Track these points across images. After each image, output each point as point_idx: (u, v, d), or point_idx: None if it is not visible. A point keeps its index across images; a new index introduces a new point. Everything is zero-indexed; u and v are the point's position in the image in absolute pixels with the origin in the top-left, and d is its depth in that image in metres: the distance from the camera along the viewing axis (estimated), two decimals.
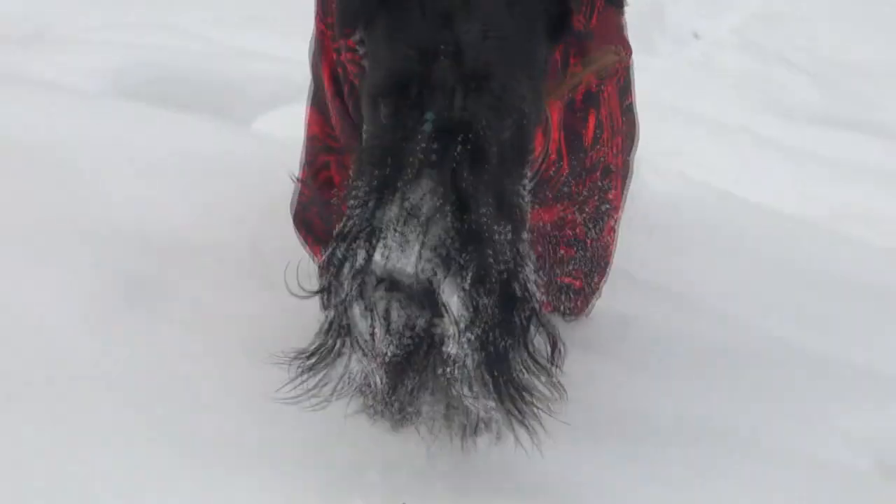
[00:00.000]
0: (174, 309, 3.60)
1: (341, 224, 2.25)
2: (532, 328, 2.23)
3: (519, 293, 2.18)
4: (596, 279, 3.25)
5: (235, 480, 2.88)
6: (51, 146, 4.40)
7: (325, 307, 2.29)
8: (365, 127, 2.36)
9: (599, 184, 2.96)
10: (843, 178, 6.04)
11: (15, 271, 3.63)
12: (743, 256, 4.64)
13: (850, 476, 3.35)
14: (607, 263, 3.26)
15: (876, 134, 6.75)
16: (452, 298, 2.10)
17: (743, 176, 5.92)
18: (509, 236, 2.17)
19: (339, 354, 2.25)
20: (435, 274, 2.07)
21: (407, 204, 2.05)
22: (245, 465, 2.94)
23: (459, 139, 2.09)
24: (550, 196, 2.83)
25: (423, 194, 2.06)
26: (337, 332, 2.25)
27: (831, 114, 7.08)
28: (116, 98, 5.53)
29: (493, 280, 2.13)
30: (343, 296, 2.18)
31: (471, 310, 2.11)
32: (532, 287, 2.22)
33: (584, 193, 2.92)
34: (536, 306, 2.23)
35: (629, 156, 3.09)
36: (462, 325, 2.11)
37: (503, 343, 2.18)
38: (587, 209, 2.97)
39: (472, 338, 2.12)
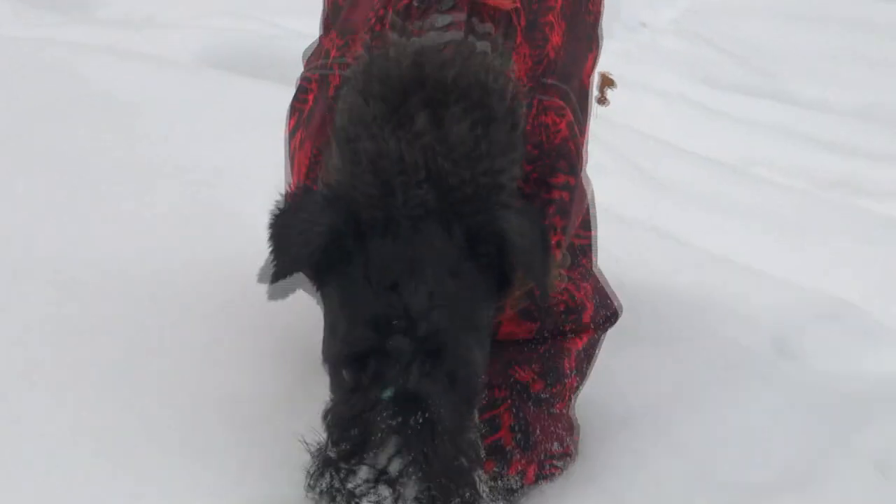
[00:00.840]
0: None
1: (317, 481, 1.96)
2: None
3: None
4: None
5: None
6: (146, 103, 4.46)
7: None
8: (330, 387, 2.07)
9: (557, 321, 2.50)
10: (752, 132, 6.17)
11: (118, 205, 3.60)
12: None
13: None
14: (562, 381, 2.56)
15: (778, 100, 6.86)
16: None
17: (679, 129, 6.14)
18: (471, 475, 1.92)
19: None
20: None
21: (376, 469, 1.84)
22: None
23: (417, 410, 1.85)
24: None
25: (390, 457, 1.84)
26: None
27: (745, 84, 7.18)
28: (206, 68, 5.54)
29: None
30: None
31: None
32: None
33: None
34: None
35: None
36: None
37: None
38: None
39: None
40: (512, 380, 2.44)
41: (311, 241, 1.92)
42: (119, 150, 3.98)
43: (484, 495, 1.96)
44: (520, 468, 2.37)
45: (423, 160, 1.92)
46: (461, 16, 2.14)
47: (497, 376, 2.42)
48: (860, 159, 5.94)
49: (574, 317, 2.48)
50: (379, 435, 1.84)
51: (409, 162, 1.92)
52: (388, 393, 1.86)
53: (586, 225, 2.53)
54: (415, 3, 2.18)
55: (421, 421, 1.84)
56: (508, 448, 2.37)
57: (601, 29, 2.63)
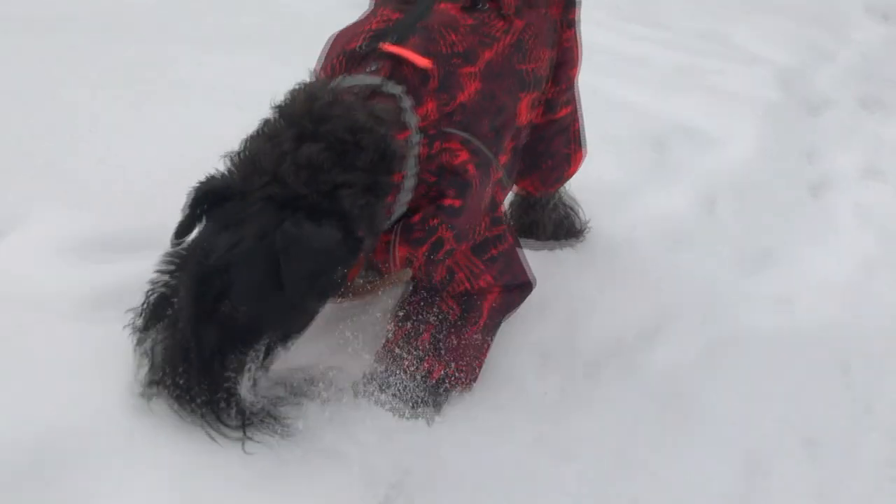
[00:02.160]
0: None
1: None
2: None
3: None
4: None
5: None
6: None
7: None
8: None
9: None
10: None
11: None
12: None
13: None
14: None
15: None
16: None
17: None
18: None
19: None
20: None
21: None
22: None
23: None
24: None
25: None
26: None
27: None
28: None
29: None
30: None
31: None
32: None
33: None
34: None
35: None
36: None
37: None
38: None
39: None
40: (438, 310, 2.81)
41: (188, 202, 2.35)
42: None
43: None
44: (427, 367, 2.75)
45: (273, 167, 2.31)
46: (388, 64, 2.54)
47: (428, 307, 2.82)
48: None
49: (474, 299, 2.86)
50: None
51: (264, 165, 2.32)
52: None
53: (496, 222, 2.85)
54: (358, 50, 2.60)
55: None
56: (423, 352, 2.76)
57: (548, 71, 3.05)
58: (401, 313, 2.87)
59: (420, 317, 2.81)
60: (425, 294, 2.85)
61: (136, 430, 2.31)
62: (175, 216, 2.35)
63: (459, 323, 2.82)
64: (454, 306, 2.83)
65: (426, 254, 2.62)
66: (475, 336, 2.83)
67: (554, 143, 3.30)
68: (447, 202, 2.55)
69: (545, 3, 3.00)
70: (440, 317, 2.82)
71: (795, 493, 2.75)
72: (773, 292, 3.55)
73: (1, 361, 2.42)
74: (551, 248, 3.42)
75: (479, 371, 2.83)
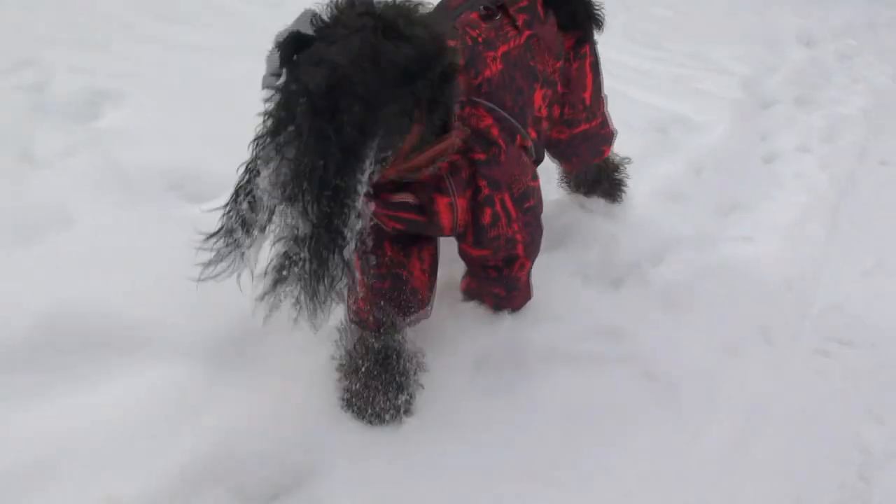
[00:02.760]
0: None
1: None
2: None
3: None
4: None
5: None
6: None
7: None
8: None
9: (500, 251, 2.32)
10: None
11: None
12: None
13: None
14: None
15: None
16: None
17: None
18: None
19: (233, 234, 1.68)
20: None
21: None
22: None
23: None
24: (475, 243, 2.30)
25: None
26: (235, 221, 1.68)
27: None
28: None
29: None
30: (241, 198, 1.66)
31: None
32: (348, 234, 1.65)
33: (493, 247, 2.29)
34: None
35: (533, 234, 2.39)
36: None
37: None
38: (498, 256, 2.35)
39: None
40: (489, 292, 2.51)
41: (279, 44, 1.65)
42: None
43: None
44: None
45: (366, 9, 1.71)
46: None
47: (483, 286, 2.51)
48: None
49: (513, 252, 2.35)
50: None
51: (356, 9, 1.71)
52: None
53: (534, 176, 2.37)
54: None
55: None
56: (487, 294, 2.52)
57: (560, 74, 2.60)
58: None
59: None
60: (478, 282, 2.49)
61: None
62: None
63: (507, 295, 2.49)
64: (501, 291, 2.47)
65: (470, 198, 2.18)
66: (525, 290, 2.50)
67: (581, 150, 2.88)
68: (475, 156, 2.11)
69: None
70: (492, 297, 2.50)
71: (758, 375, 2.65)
72: (739, 232, 3.48)
73: None
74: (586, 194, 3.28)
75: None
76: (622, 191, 3.29)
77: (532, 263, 2.45)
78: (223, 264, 1.71)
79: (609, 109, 2.91)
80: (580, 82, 2.72)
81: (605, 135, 2.93)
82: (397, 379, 2.16)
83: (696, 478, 2.18)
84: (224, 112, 3.54)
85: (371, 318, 2.20)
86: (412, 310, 2.28)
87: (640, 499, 2.09)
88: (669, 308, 2.80)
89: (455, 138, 2.01)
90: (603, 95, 2.85)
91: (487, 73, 2.15)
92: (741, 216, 3.64)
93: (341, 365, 2.20)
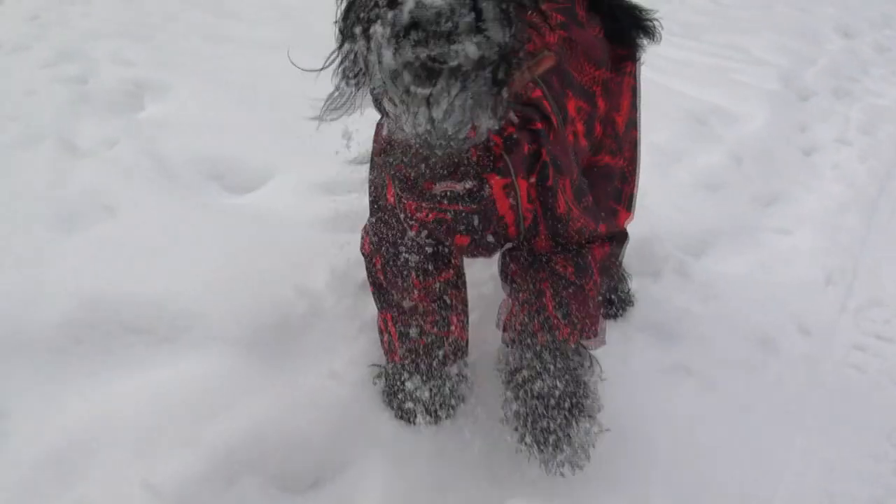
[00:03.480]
0: None
1: None
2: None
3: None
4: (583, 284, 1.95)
5: None
6: None
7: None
8: None
9: (576, 247, 1.93)
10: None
11: None
12: None
13: None
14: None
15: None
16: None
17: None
18: None
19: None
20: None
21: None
22: None
23: None
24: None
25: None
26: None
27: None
28: None
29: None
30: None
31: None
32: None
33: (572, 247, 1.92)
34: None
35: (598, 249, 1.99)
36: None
37: None
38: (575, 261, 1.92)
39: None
40: (550, 269, 1.91)
41: None
42: None
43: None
44: (566, 334, 1.89)
45: None
46: None
47: (539, 268, 1.94)
48: None
49: (584, 255, 1.95)
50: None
51: None
52: None
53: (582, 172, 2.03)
54: None
55: None
56: (551, 315, 1.89)
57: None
58: (513, 286, 1.98)
59: (534, 284, 1.93)
60: (531, 259, 1.94)
61: None
62: None
63: (578, 282, 1.93)
64: (567, 266, 1.92)
65: (538, 182, 1.78)
66: (595, 295, 1.97)
67: (598, 188, 2.12)
68: (535, 126, 1.74)
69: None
70: (555, 277, 1.92)
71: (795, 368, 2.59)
72: (778, 224, 3.43)
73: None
74: None
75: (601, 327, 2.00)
76: (623, 310, 2.66)
77: (604, 244, 2.03)
78: (341, 103, 1.57)
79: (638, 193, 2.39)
80: (616, 100, 2.24)
81: (625, 194, 2.34)
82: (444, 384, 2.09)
83: (734, 470, 2.14)
84: (265, 105, 3.56)
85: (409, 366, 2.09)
86: (452, 360, 2.11)
87: (678, 487, 2.05)
88: (708, 301, 2.75)
89: (554, 57, 1.63)
90: (636, 154, 2.34)
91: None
92: (780, 208, 3.58)
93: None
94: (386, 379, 2.12)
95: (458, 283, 2.09)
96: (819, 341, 2.70)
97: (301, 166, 2.96)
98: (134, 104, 3.55)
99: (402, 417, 2.08)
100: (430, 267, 1.98)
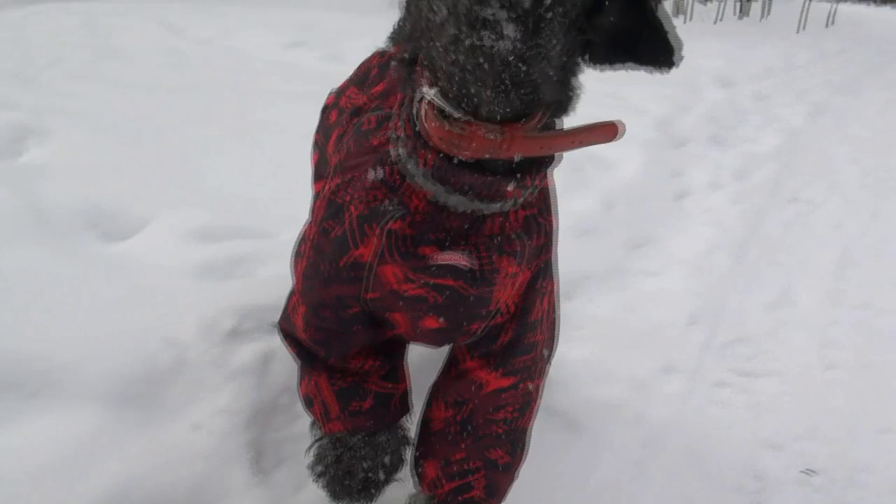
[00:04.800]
0: None
1: None
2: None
3: None
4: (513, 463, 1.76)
5: None
6: None
7: None
8: None
9: (531, 367, 1.70)
10: None
11: None
12: None
13: None
14: (524, 448, 1.78)
15: None
16: None
17: None
18: None
19: None
20: None
21: None
22: None
23: None
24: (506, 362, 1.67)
25: None
26: None
27: None
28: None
29: None
30: None
31: None
32: None
33: (522, 371, 1.69)
34: None
35: (549, 360, 1.78)
36: None
37: None
38: (519, 389, 1.70)
39: None
40: (486, 457, 1.70)
41: None
42: None
43: None
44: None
45: None
46: None
47: (474, 453, 1.71)
48: None
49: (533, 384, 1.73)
50: None
51: None
52: None
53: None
54: None
55: None
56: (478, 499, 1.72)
57: None
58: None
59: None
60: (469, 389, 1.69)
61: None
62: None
63: (511, 465, 1.76)
64: (500, 445, 1.72)
65: (531, 281, 1.58)
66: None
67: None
68: (546, 219, 1.54)
69: None
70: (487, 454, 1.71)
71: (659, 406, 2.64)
72: (647, 267, 3.51)
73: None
74: None
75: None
76: None
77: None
78: None
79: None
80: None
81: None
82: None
83: None
84: (149, 149, 3.53)
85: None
86: (397, 419, 1.85)
87: None
88: (576, 342, 2.80)
89: (621, 127, 1.44)
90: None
91: None
92: (650, 251, 3.67)
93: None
94: (318, 454, 1.84)
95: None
96: (684, 379, 2.77)
97: (178, 212, 2.94)
98: (13, 149, 3.48)
99: (335, 497, 1.83)
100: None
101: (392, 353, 1.81)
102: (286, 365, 2.28)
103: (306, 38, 6.13)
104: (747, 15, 15.95)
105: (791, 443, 2.52)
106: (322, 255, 1.56)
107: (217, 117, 3.86)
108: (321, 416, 1.81)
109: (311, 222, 1.63)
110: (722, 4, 14.73)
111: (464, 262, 1.44)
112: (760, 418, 2.63)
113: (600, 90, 6.06)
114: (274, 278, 2.59)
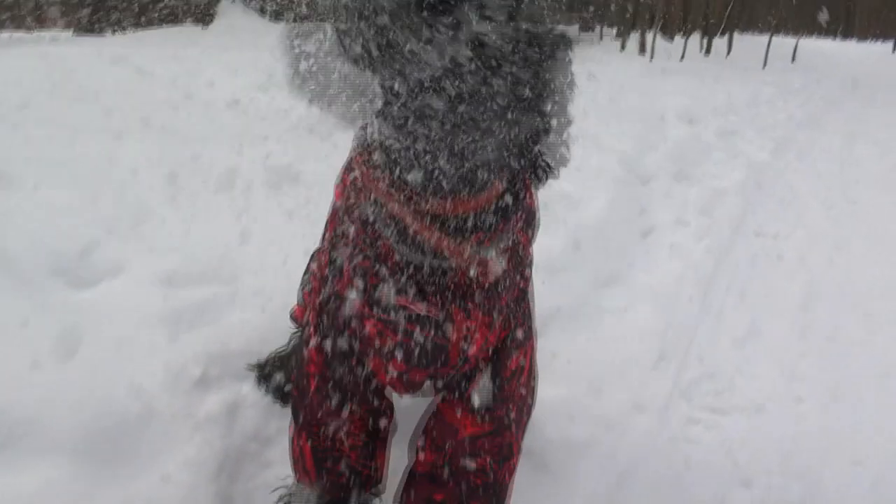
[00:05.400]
0: None
1: None
2: None
3: None
4: None
5: None
6: None
7: None
8: None
9: (509, 419, 1.74)
10: None
11: None
12: None
13: None
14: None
15: None
16: None
17: None
18: None
19: None
20: None
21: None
22: None
23: None
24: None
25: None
26: None
27: None
28: None
29: None
30: None
31: None
32: None
33: (498, 421, 1.72)
34: None
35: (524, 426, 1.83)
36: None
37: None
38: (497, 440, 1.72)
39: None
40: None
41: None
42: None
43: None
44: None
45: None
46: None
47: (453, 500, 1.72)
48: None
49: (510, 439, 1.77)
50: None
51: None
52: None
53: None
54: None
55: None
56: None
57: None
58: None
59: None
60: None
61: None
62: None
63: None
64: None
65: (502, 334, 1.64)
66: None
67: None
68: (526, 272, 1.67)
69: None
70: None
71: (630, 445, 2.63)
72: (615, 303, 3.52)
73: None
74: None
75: None
76: None
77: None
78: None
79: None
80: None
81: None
82: None
83: None
84: (116, 194, 3.50)
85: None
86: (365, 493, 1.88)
87: None
88: (545, 382, 2.79)
89: (530, 202, 1.56)
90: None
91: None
92: (618, 287, 3.69)
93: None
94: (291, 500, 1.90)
95: (390, 412, 1.90)
96: (655, 417, 2.77)
97: (144, 259, 2.90)
98: None
99: None
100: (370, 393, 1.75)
101: (375, 431, 1.84)
102: (255, 411, 2.28)
103: (272, 80, 6.15)
104: (708, 53, 16.21)
105: (763, 478, 2.53)
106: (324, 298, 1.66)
107: (183, 162, 3.84)
108: (298, 467, 1.84)
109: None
110: (686, 41, 14.97)
111: (419, 309, 1.51)
112: (732, 454, 2.63)
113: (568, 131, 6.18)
114: (240, 324, 2.60)
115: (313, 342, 1.74)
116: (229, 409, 2.26)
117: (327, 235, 1.88)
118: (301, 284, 2.28)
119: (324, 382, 1.75)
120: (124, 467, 2.05)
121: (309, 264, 2.22)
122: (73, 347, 2.36)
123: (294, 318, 2.35)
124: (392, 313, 1.53)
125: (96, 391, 2.17)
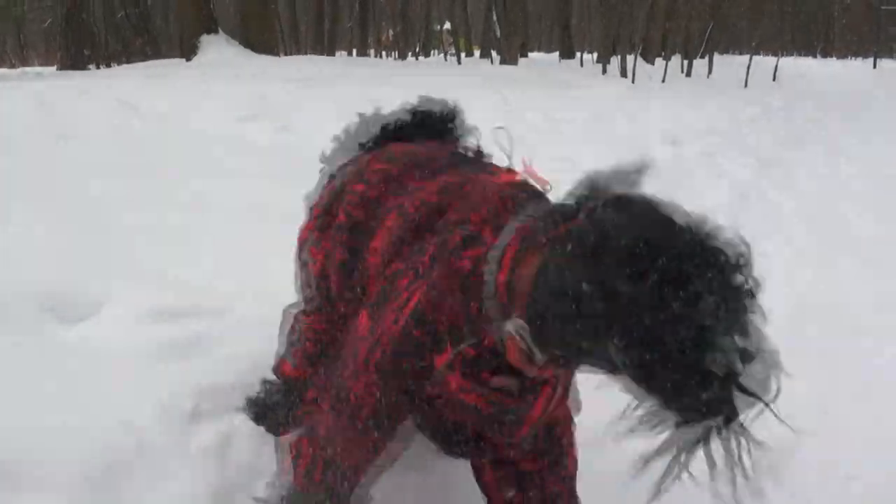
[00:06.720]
0: None
1: None
2: None
3: None
4: None
5: None
6: None
7: None
8: None
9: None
10: None
11: None
12: None
13: None
14: None
15: None
16: None
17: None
18: None
19: None
20: None
21: None
22: None
23: None
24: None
25: None
26: None
27: None
28: None
29: None
30: None
31: None
32: None
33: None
34: None
35: None
36: None
37: None
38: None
39: None
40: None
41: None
42: None
43: None
44: None
45: None
46: None
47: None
48: None
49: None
50: None
51: None
52: None
53: None
54: None
55: None
56: None
57: None
58: None
59: None
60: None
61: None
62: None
63: None
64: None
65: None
66: None
67: None
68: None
69: None
70: None
71: None
72: None
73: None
74: None
75: None
76: None
77: None
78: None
79: None
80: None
81: None
82: None
83: None
84: (104, 230, 3.52)
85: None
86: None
87: None
88: None
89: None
90: None
91: None
92: None
93: None
94: None
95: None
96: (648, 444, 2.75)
97: (133, 293, 2.91)
98: None
99: None
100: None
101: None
102: (247, 444, 2.27)
103: (258, 111, 6.19)
104: (689, 74, 16.37)
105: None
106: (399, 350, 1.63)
107: (170, 197, 3.87)
108: (300, 471, 1.85)
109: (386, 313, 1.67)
110: (666, 63, 15.11)
111: (513, 385, 1.62)
112: None
113: (551, 153, 6.23)
114: (231, 357, 2.59)
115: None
116: (222, 441, 2.25)
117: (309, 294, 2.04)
118: (287, 343, 2.21)
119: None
120: (119, 502, 2.04)
121: (293, 325, 2.18)
122: (63, 383, 2.36)
123: (281, 373, 2.26)
124: (487, 388, 1.62)
125: (88, 428, 2.16)
